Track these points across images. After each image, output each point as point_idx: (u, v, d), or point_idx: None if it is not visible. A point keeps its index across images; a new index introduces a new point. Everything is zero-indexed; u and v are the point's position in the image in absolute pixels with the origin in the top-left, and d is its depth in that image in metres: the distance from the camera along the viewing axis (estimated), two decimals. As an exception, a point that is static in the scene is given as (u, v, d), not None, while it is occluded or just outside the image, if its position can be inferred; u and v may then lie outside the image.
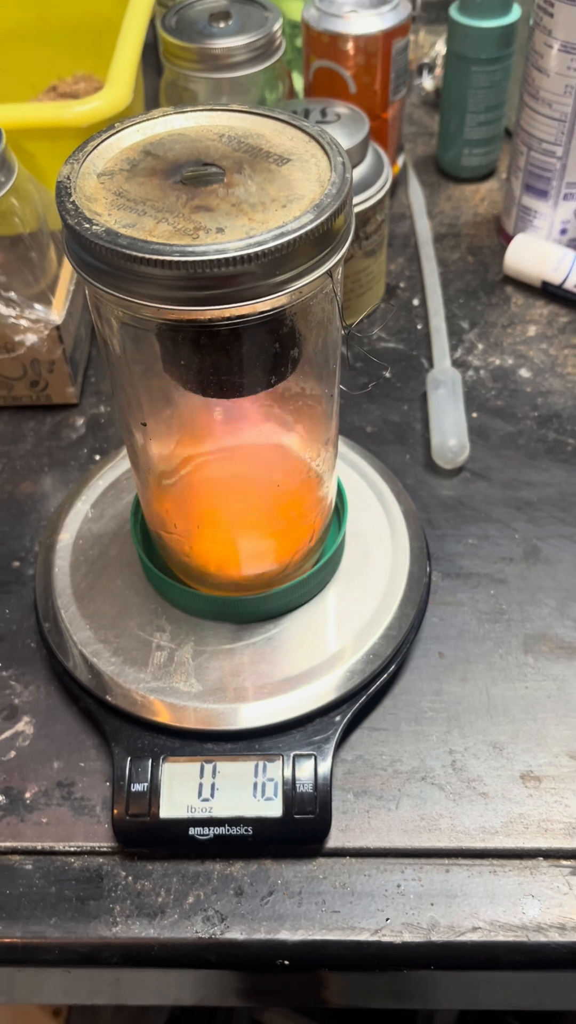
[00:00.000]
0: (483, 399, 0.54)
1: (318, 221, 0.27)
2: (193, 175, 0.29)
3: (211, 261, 0.26)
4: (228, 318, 0.28)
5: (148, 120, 0.31)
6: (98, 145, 0.30)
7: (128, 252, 0.26)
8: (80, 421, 0.54)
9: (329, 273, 0.29)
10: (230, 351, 0.30)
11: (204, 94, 0.60)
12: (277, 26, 0.58)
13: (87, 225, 0.27)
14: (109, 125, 0.31)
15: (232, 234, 0.27)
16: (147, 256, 0.26)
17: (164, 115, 0.31)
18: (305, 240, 0.27)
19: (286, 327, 0.31)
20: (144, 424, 0.34)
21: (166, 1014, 0.80)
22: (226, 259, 0.26)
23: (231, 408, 0.35)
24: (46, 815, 0.38)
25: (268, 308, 0.28)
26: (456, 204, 0.69)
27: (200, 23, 0.58)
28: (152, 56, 0.77)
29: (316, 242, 0.27)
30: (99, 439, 0.53)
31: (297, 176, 0.29)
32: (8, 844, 0.38)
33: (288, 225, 0.27)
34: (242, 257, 0.26)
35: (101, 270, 0.27)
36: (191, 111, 0.31)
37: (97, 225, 0.27)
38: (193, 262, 0.26)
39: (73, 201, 0.28)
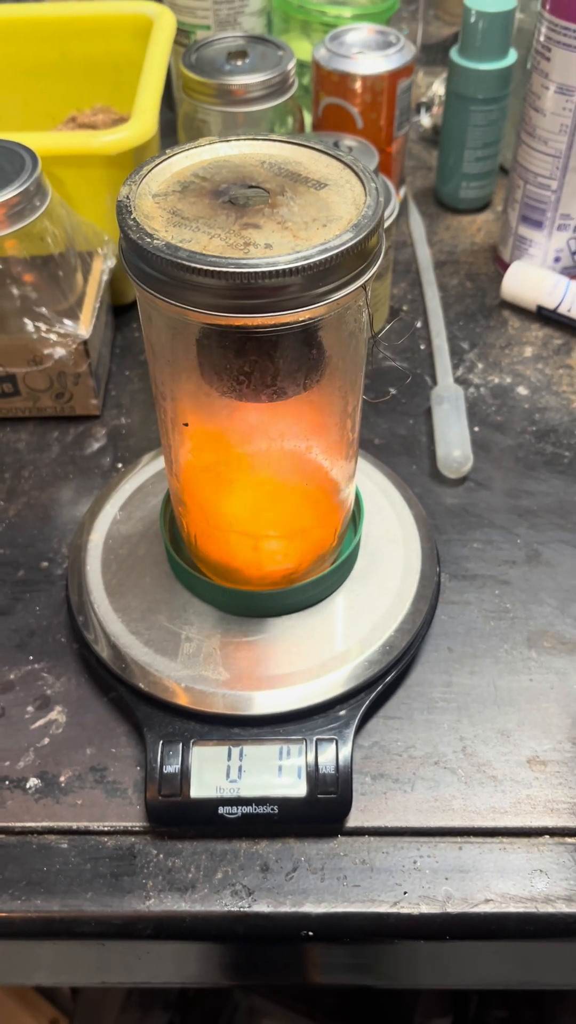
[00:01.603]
0: (484, 414, 0.58)
1: (357, 239, 0.30)
2: (240, 195, 0.32)
3: (263, 273, 0.29)
4: (273, 325, 0.31)
5: (196, 148, 0.34)
6: (152, 169, 0.33)
7: (187, 264, 0.29)
8: (102, 432, 0.57)
9: (364, 287, 0.32)
10: (270, 357, 0.33)
11: (219, 126, 0.63)
12: (290, 65, 0.62)
13: (148, 239, 0.30)
14: (161, 151, 0.34)
15: (280, 249, 0.30)
16: (205, 267, 0.29)
17: (210, 143, 0.34)
18: (345, 256, 0.30)
19: (320, 336, 0.33)
20: (186, 424, 0.37)
21: (165, 1021, 0.81)
22: (276, 271, 0.29)
23: (264, 412, 0.37)
24: (80, 797, 0.40)
25: (308, 317, 0.31)
26: (454, 234, 0.73)
27: (218, 60, 0.62)
28: (163, 92, 0.80)
29: (354, 258, 0.30)
30: (120, 449, 0.56)
31: (334, 199, 0.32)
32: (45, 824, 0.40)
33: (331, 242, 0.30)
34: (290, 270, 0.29)
35: (159, 280, 0.30)
36: (235, 140, 0.35)
37: (158, 240, 0.30)
38: (247, 273, 0.29)
39: (134, 218, 0.31)
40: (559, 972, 0.45)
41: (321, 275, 0.30)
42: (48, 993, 0.81)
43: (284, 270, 0.29)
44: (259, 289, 0.29)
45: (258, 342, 0.32)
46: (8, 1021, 0.79)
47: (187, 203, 0.32)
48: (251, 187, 0.33)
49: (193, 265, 0.29)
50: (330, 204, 0.32)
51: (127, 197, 0.32)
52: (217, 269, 0.29)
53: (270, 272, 0.29)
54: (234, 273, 0.29)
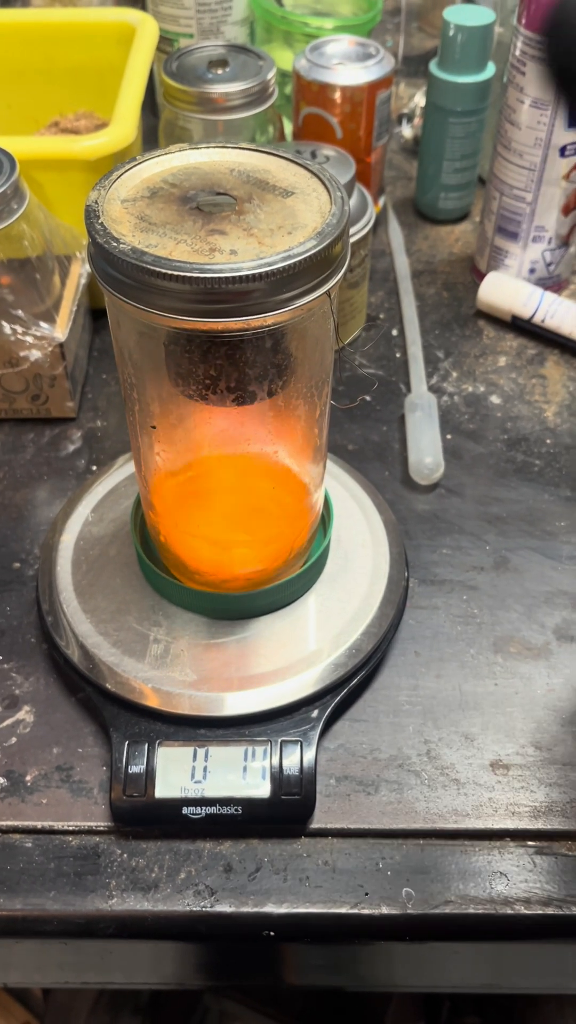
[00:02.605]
0: (457, 422, 0.58)
1: (321, 246, 0.31)
2: (208, 202, 0.33)
3: (226, 278, 0.29)
4: (237, 330, 0.31)
5: (166, 154, 0.35)
6: (122, 175, 0.34)
7: (152, 268, 0.30)
8: (78, 434, 0.57)
9: (328, 293, 0.32)
10: (236, 361, 0.33)
11: (200, 134, 0.64)
12: (271, 74, 0.62)
13: (115, 244, 0.30)
14: (131, 157, 0.34)
15: (244, 255, 0.30)
16: (170, 272, 0.29)
17: (180, 150, 0.35)
18: (309, 263, 0.30)
19: (286, 342, 0.34)
20: (153, 427, 0.37)
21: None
22: (240, 276, 0.29)
23: (231, 416, 0.38)
24: (46, 796, 0.41)
25: (273, 323, 0.31)
26: (432, 243, 0.74)
27: (199, 69, 0.63)
28: (147, 97, 0.81)
29: (318, 265, 0.31)
30: (95, 451, 0.56)
31: (300, 207, 0.33)
32: (9, 823, 0.40)
33: (294, 249, 0.30)
34: (253, 276, 0.30)
35: (125, 284, 0.31)
36: (205, 147, 0.35)
37: (124, 244, 0.30)
38: (210, 278, 0.29)
39: (102, 222, 0.31)
40: (524, 975, 0.45)
41: (285, 281, 0.30)
42: (20, 996, 0.80)
43: (248, 276, 0.29)
44: (224, 294, 0.30)
45: (224, 347, 0.33)
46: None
47: (155, 209, 0.32)
48: (219, 194, 0.33)
49: (159, 270, 0.29)
50: (296, 212, 0.32)
51: (95, 202, 0.32)
52: (182, 274, 0.29)
53: (234, 278, 0.29)
54: (199, 278, 0.29)
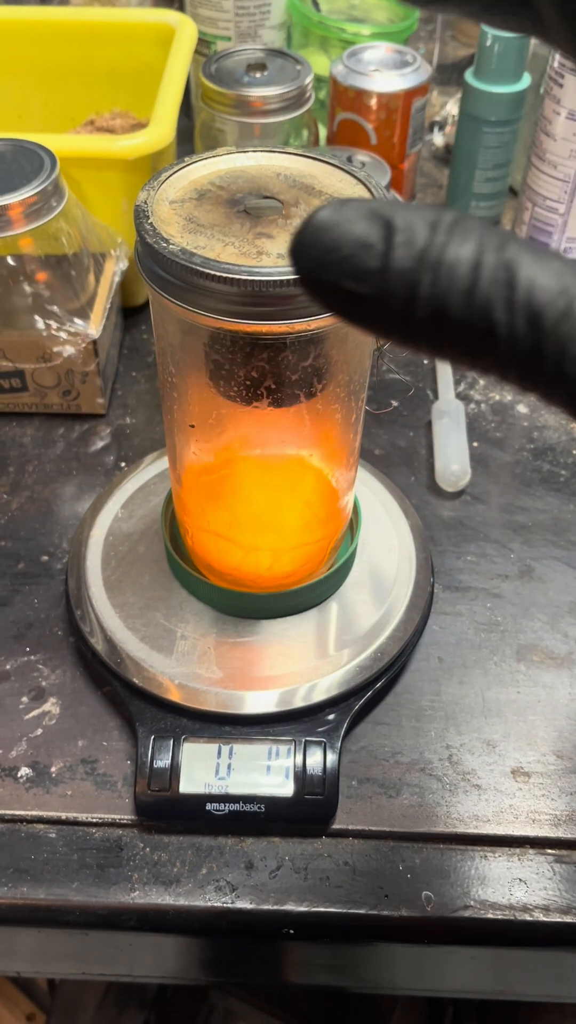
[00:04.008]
0: (483, 430, 0.58)
1: (366, 253, 0.31)
2: (255, 205, 0.33)
3: (273, 281, 0.30)
4: (281, 333, 0.32)
5: (213, 157, 0.35)
6: (170, 176, 0.34)
7: (201, 269, 0.30)
8: (107, 431, 0.58)
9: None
10: (278, 364, 0.34)
11: (235, 136, 0.64)
12: (308, 79, 0.63)
13: (164, 244, 0.31)
14: (179, 159, 0.35)
15: (291, 260, 0.31)
16: (218, 274, 0.30)
17: (228, 153, 0.35)
18: (354, 269, 0.31)
19: (327, 347, 0.34)
20: (192, 426, 0.38)
21: (141, 1022, 0.82)
22: (286, 280, 0.30)
23: (269, 418, 0.38)
24: (70, 788, 0.41)
25: (316, 327, 0.32)
26: (462, 252, 0.74)
27: (237, 72, 0.63)
28: (183, 99, 0.81)
29: (363, 271, 0.31)
30: (124, 448, 0.57)
31: (346, 214, 0.33)
32: (34, 813, 0.40)
33: (340, 255, 0.31)
34: (300, 280, 0.30)
35: (173, 284, 0.31)
36: (251, 151, 0.35)
37: (173, 245, 0.31)
38: (258, 281, 0.30)
39: (151, 223, 0.32)
40: (533, 982, 0.45)
41: (331, 286, 0.30)
42: (25, 988, 0.81)
43: (295, 280, 0.30)
44: (269, 297, 0.30)
45: (266, 349, 0.33)
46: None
47: (203, 211, 0.33)
48: (266, 197, 0.33)
49: (207, 271, 0.30)
50: (342, 218, 0.33)
51: (145, 202, 0.32)
52: (230, 276, 0.30)
53: (281, 281, 0.30)
54: (246, 281, 0.30)
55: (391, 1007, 0.77)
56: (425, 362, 0.63)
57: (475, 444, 0.57)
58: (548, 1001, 0.66)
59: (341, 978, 0.48)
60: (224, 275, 0.30)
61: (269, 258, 0.31)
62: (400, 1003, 0.77)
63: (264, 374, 0.34)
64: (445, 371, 0.61)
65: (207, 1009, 0.73)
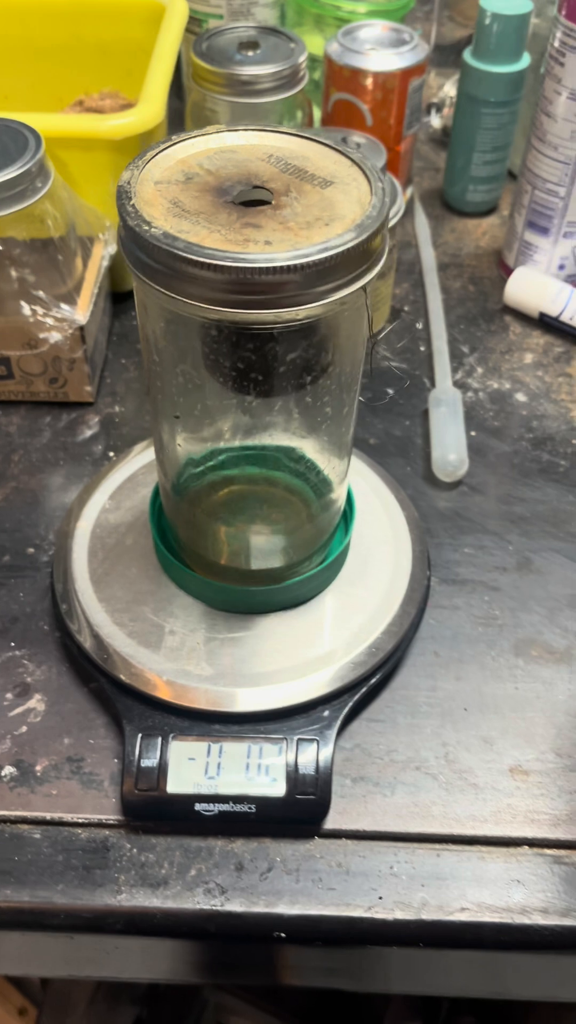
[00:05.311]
0: (481, 419, 0.57)
1: (359, 239, 0.30)
2: (244, 196, 0.32)
3: (259, 268, 0.28)
4: (268, 323, 0.30)
5: (202, 135, 0.34)
6: (156, 155, 0.33)
7: (184, 255, 0.29)
8: (95, 419, 0.56)
9: (364, 288, 0.31)
10: (266, 354, 0.32)
11: (227, 116, 0.63)
12: (302, 58, 0.61)
13: (146, 227, 0.29)
14: (166, 137, 0.33)
15: (279, 246, 0.29)
16: (202, 260, 0.28)
17: (217, 131, 0.34)
18: (346, 256, 0.29)
19: (318, 337, 0.33)
20: (177, 416, 0.36)
21: (133, 1016, 0.81)
22: (273, 267, 0.28)
23: (258, 409, 0.37)
24: (56, 787, 0.40)
25: (305, 316, 0.30)
26: (459, 236, 0.73)
27: (229, 50, 0.61)
28: (173, 79, 0.80)
29: (356, 258, 0.30)
30: (113, 437, 0.55)
31: (339, 198, 0.32)
32: (18, 813, 0.39)
33: (331, 241, 0.29)
34: (288, 267, 0.29)
35: (155, 269, 0.30)
36: (242, 130, 0.34)
37: (155, 228, 0.29)
38: (244, 268, 0.28)
39: (133, 204, 0.30)
40: (530, 985, 0.44)
41: (320, 274, 0.29)
42: (17, 982, 0.80)
43: (283, 267, 0.28)
44: (256, 285, 0.29)
45: (254, 338, 0.32)
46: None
47: (189, 196, 0.31)
48: (256, 187, 0.32)
49: (190, 256, 0.28)
50: (335, 203, 0.31)
51: (128, 182, 0.31)
52: (214, 262, 0.28)
53: (268, 268, 0.28)
54: (232, 267, 0.28)
55: (386, 1001, 0.76)
56: (422, 349, 0.62)
57: (473, 433, 0.56)
58: (546, 1000, 0.65)
59: (335, 980, 0.47)
60: (209, 261, 0.28)
61: (256, 245, 0.29)
62: (394, 999, 0.76)
63: (251, 365, 0.32)
64: (442, 358, 0.60)
65: (200, 1005, 0.73)
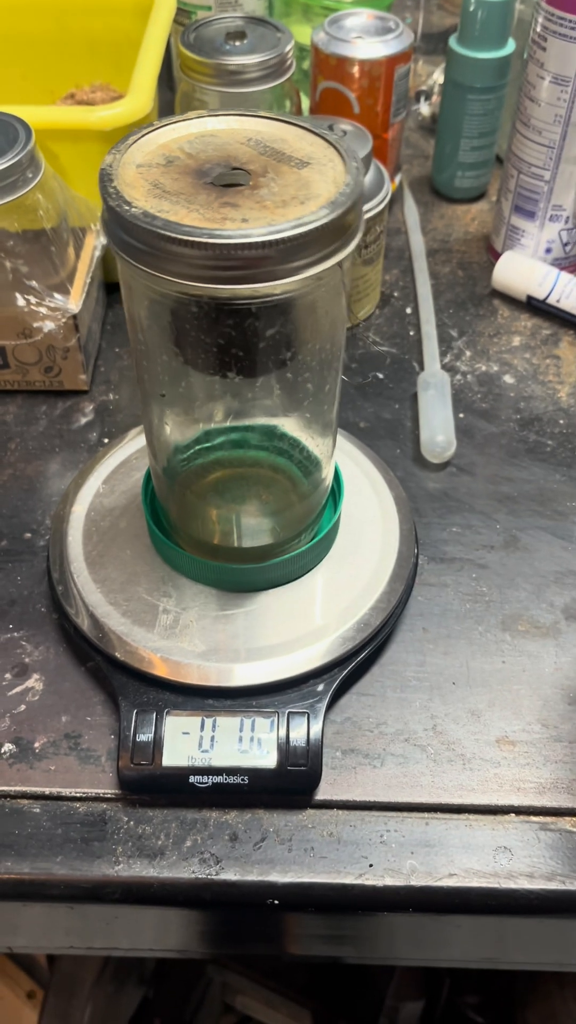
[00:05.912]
0: (469, 401, 0.58)
1: (332, 216, 0.30)
2: (223, 177, 0.32)
3: (237, 244, 0.29)
4: (245, 297, 0.31)
5: (184, 120, 0.34)
6: (138, 139, 0.33)
7: (163, 232, 0.29)
8: (90, 407, 0.57)
9: (339, 264, 0.32)
10: (245, 331, 0.33)
11: (216, 106, 0.63)
12: (289, 47, 0.62)
13: (127, 207, 0.30)
14: (147, 123, 0.34)
15: (255, 223, 0.30)
16: (180, 236, 0.29)
17: (199, 117, 0.35)
18: (320, 232, 0.30)
19: (296, 314, 0.34)
20: (163, 395, 0.37)
21: (139, 997, 0.82)
22: (249, 243, 0.29)
23: (241, 388, 0.38)
24: (54, 763, 0.41)
25: (282, 291, 0.31)
26: (448, 222, 0.73)
27: (217, 40, 0.62)
28: (163, 71, 0.80)
29: (330, 234, 0.31)
30: (107, 424, 0.56)
31: (315, 178, 0.32)
32: (18, 788, 0.40)
33: (306, 218, 0.30)
34: (264, 243, 0.29)
35: (136, 248, 0.31)
36: (223, 115, 0.35)
37: (136, 208, 0.30)
38: (221, 244, 0.29)
39: (115, 186, 0.31)
40: (525, 951, 0.45)
41: (296, 249, 0.30)
42: (26, 966, 0.81)
43: (259, 242, 0.29)
44: (234, 260, 0.30)
45: (233, 315, 0.33)
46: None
47: (169, 178, 0.32)
48: (234, 169, 0.33)
49: (169, 234, 0.29)
50: (310, 183, 0.32)
51: (110, 165, 0.32)
52: (192, 239, 0.29)
53: (245, 244, 0.29)
54: (209, 243, 0.29)
55: (388, 978, 0.77)
56: (411, 333, 0.63)
57: (461, 415, 0.57)
58: (542, 969, 0.66)
59: (336, 948, 0.48)
60: (187, 238, 0.29)
61: (233, 223, 0.30)
62: (397, 976, 0.77)
63: (231, 341, 0.33)
64: (431, 342, 0.60)
65: (204, 983, 0.74)
